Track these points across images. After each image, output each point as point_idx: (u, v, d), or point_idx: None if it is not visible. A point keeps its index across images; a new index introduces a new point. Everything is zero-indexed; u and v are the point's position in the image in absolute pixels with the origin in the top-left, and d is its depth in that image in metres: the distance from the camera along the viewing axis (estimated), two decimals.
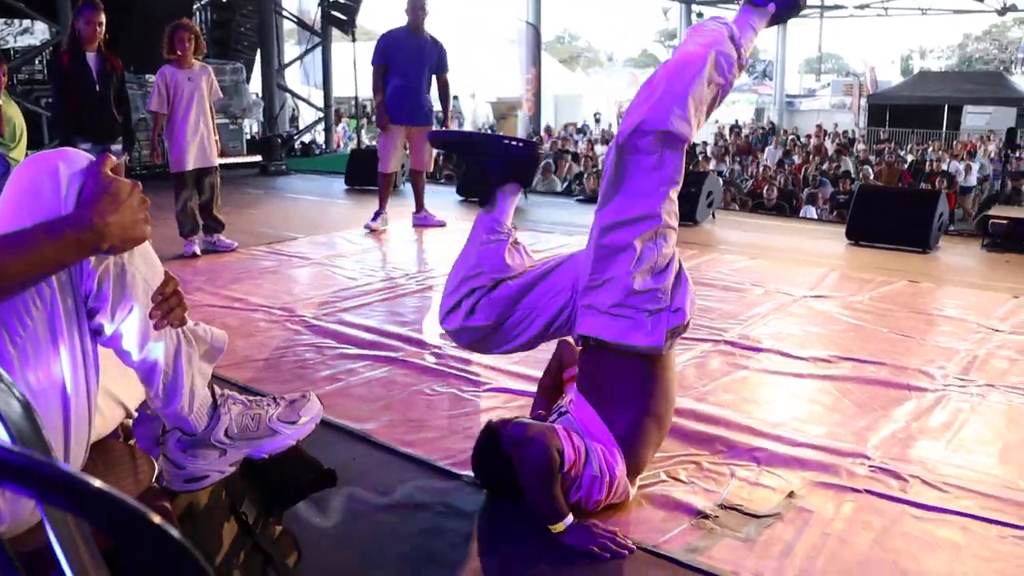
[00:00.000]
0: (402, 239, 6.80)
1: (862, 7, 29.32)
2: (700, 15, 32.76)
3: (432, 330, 4.17)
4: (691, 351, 3.87)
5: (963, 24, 53.69)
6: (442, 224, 7.18)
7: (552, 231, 7.02)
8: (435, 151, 7.13)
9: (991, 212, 6.90)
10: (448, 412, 3.22)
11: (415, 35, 6.84)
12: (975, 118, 28.86)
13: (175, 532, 0.60)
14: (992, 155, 18.97)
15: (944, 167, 16.02)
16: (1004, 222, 6.53)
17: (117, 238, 1.34)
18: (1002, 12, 29.04)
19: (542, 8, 23.77)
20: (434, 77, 6.99)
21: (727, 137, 21.96)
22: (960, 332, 4.24)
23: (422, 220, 7.22)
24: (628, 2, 60.23)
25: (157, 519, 0.59)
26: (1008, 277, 5.64)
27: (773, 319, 4.43)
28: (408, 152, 7.31)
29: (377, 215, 7.01)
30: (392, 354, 3.86)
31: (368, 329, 4.25)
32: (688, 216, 7.40)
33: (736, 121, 26.62)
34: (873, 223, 6.55)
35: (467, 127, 27.82)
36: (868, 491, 2.60)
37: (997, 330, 4.28)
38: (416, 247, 6.63)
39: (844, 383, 3.51)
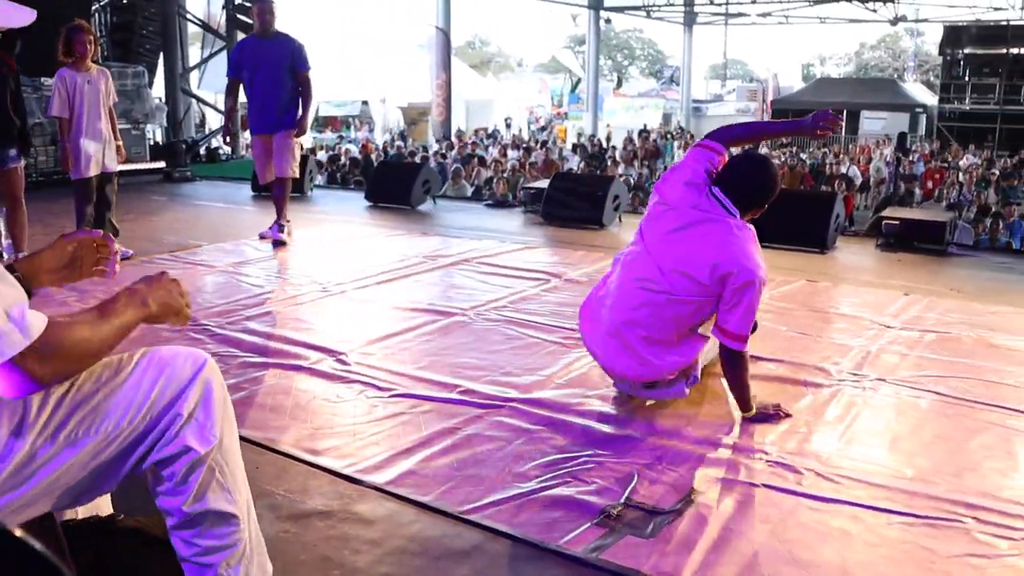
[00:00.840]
0: (309, 246, 6.70)
1: (764, 15, 30.15)
2: (608, 21, 33.32)
3: (336, 336, 4.13)
4: None
5: (859, 33, 55.78)
6: (282, 243, 6.54)
7: (461, 236, 7.03)
8: (299, 157, 6.69)
9: (884, 213, 7.18)
10: (353, 419, 3.19)
11: (266, 39, 6.47)
12: (872, 123, 30.00)
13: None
14: (887, 158, 19.67)
15: (843, 170, 16.58)
16: (896, 223, 6.80)
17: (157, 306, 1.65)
18: (894, 22, 30.26)
19: (452, 14, 23.81)
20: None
21: (635, 141, 22.29)
22: (855, 329, 4.40)
23: (271, 231, 6.57)
24: (538, 8, 60.57)
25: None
26: (900, 275, 5.87)
27: None
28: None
29: (277, 225, 6.60)
30: (297, 362, 3.80)
31: (273, 337, 4.18)
32: (595, 220, 7.49)
33: (644, 125, 27.03)
34: (773, 225, 6.67)
35: (378, 132, 27.62)
36: (766, 485, 2.68)
37: (889, 326, 4.45)
38: (323, 253, 6.54)
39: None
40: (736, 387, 3.18)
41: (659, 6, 30.10)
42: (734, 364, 3.12)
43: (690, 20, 32.82)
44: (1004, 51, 27.71)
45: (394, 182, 9.08)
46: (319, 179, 13.19)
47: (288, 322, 4.48)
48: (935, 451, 2.96)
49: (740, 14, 31.20)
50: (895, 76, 43.31)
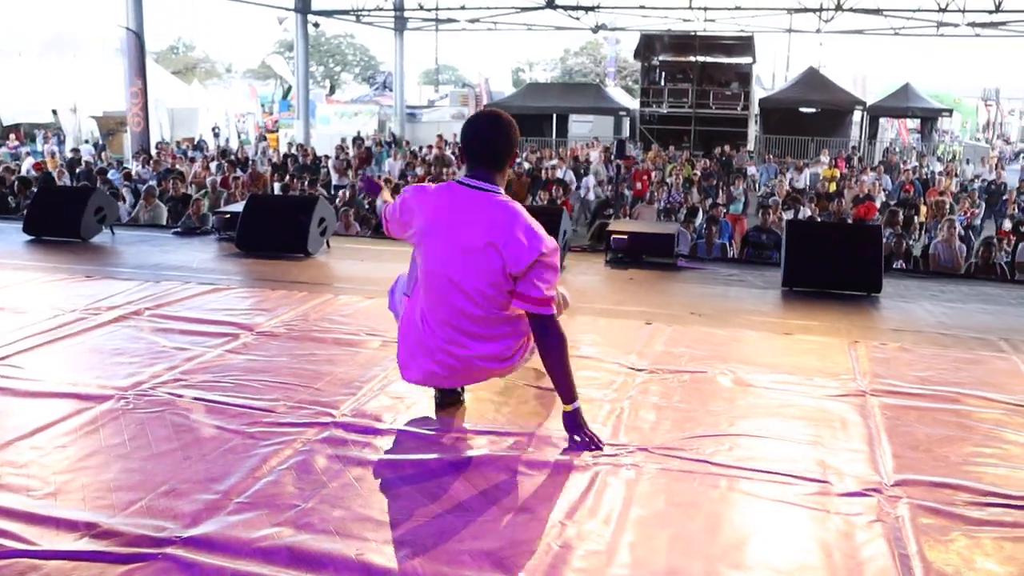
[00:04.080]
0: None
1: (473, 20, 30.20)
2: (317, 25, 32.01)
3: None
4: (291, 445, 2.99)
5: (564, 40, 58.23)
6: None
7: (135, 276, 5.76)
8: None
9: (612, 227, 6.78)
10: None
11: None
12: (579, 126, 31.07)
13: None
14: (598, 160, 20.10)
15: (559, 174, 16.57)
16: (624, 237, 6.42)
17: None
18: (595, 30, 31.53)
19: (148, 15, 21.71)
20: None
21: (349, 149, 21.34)
22: (601, 377, 3.78)
23: None
24: (245, 11, 57.92)
25: None
26: (635, 297, 5.43)
27: (394, 383, 3.68)
28: None
29: None
30: None
31: None
32: (298, 247, 6.52)
33: (358, 132, 26.19)
34: None
35: (69, 144, 24.72)
36: None
37: (637, 368, 3.89)
38: None
39: (478, 470, 2.84)
40: (555, 371, 2.98)
41: (369, 10, 29.28)
42: (546, 335, 2.94)
43: (401, 25, 32.31)
44: (693, 59, 29.59)
45: (60, 210, 7.56)
46: None
47: None
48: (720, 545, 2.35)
49: (450, 20, 31.11)
50: (598, 81, 45.37)
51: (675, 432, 3.17)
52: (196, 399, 3.42)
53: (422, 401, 3.44)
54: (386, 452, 2.98)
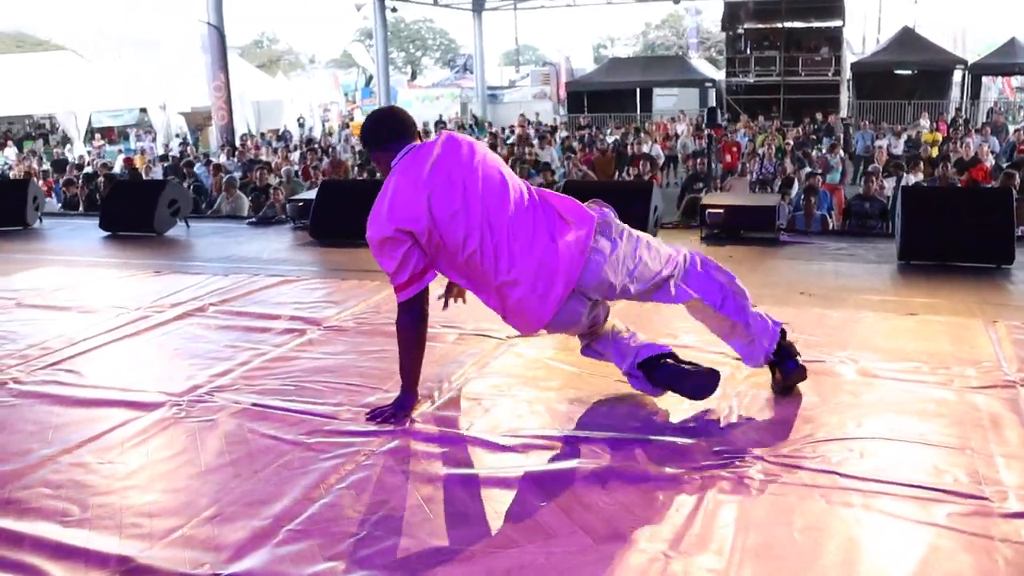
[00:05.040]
0: None
1: None
2: (395, 10, 31.89)
3: None
4: (353, 458, 2.65)
5: (644, 13, 57.04)
6: None
7: (205, 270, 5.55)
8: None
9: (706, 201, 6.28)
10: None
11: None
12: (664, 100, 30.22)
13: None
14: (686, 133, 19.41)
15: (645, 149, 16.01)
16: (720, 211, 5.92)
17: None
18: (676, 1, 30.62)
19: (231, 10, 21.89)
20: None
21: (432, 134, 21.13)
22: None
23: None
24: (324, 1, 58.37)
25: None
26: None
27: (472, 381, 3.30)
28: None
29: None
30: None
31: None
32: None
33: (440, 116, 25.99)
34: None
35: (160, 140, 25.18)
36: None
37: None
38: (13, 317, 4.90)
39: (564, 486, 2.45)
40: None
41: None
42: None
43: (479, 7, 31.95)
44: (780, 25, 28.42)
45: (134, 205, 7.46)
46: (54, 203, 11.23)
47: None
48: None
49: None
50: (681, 53, 44.22)
51: (794, 435, 2.73)
52: (254, 405, 3.11)
53: (501, 403, 3.07)
54: (459, 465, 2.61)
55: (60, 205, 11.67)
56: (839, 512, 2.27)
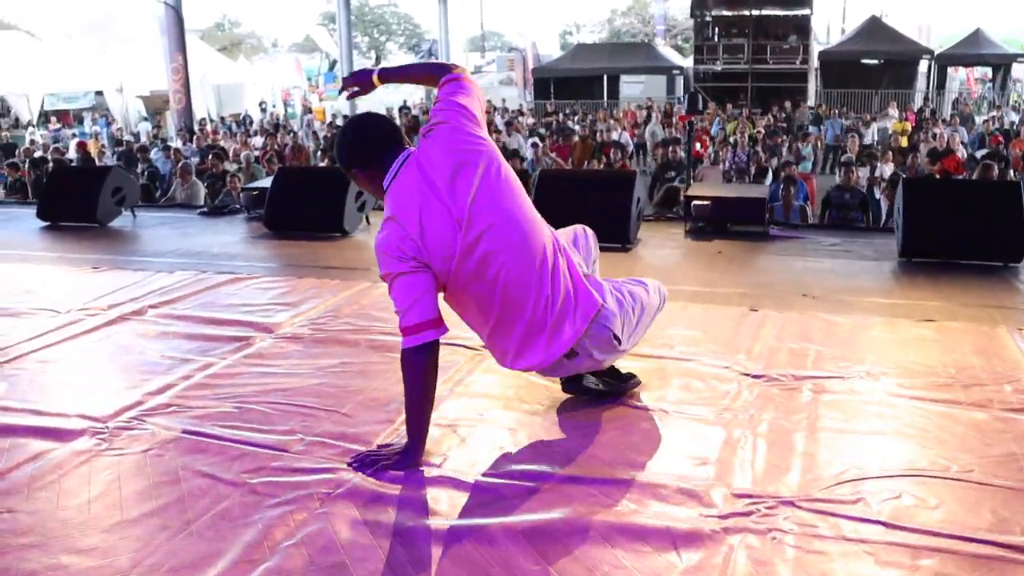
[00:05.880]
0: None
1: None
2: None
3: None
4: (306, 505, 2.21)
5: (610, 0, 56.69)
6: None
7: (148, 266, 5.05)
8: None
9: (691, 192, 5.88)
10: None
11: None
12: (631, 87, 29.86)
13: None
14: (655, 121, 19.03)
15: (615, 137, 15.62)
16: (707, 203, 5.53)
17: None
18: None
19: None
20: None
21: (395, 119, 20.57)
22: (705, 389, 2.94)
23: None
24: None
25: None
26: (729, 276, 4.56)
27: (444, 400, 2.88)
28: None
29: None
30: None
31: None
32: (334, 226, 5.75)
33: (404, 102, 25.40)
34: (558, 213, 5.25)
35: (120, 124, 24.34)
36: None
37: (753, 376, 3.03)
38: None
39: (555, 541, 2.03)
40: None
41: None
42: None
43: None
44: (748, 12, 28.13)
45: (74, 194, 6.89)
46: None
47: None
48: None
49: None
50: (647, 41, 43.85)
51: (823, 472, 2.33)
52: (190, 433, 2.66)
53: (479, 431, 2.65)
54: (433, 515, 2.18)
55: (2, 191, 11.04)
56: None
